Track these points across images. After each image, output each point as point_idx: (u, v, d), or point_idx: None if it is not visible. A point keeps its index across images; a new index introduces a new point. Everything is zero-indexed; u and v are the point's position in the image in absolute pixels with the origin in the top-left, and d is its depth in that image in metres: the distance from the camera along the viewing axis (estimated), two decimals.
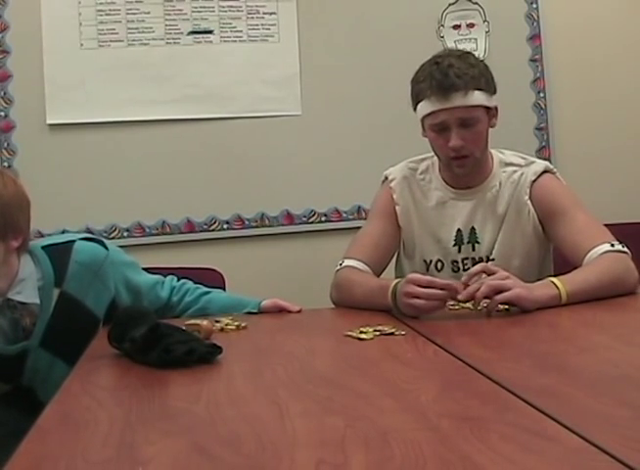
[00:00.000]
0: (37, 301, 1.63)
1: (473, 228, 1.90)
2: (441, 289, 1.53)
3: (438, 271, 1.92)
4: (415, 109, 1.86)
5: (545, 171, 1.89)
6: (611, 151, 3.04)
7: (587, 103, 3.05)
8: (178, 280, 1.87)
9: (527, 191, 1.86)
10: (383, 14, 2.93)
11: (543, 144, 3.01)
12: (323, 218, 2.92)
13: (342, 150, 2.89)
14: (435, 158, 1.94)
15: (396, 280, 1.64)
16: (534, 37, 3.01)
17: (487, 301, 1.62)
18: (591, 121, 3.05)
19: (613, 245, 1.71)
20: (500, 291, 1.51)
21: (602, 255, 1.69)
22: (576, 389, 0.97)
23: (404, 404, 0.96)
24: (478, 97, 1.78)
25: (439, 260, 1.92)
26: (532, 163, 1.91)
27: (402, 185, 1.95)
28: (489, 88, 1.82)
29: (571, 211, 1.82)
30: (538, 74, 3.01)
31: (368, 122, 2.92)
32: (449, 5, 2.98)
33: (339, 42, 2.92)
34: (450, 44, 2.95)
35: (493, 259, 1.87)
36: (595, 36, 3.06)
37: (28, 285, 1.61)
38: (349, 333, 1.41)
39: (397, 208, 1.95)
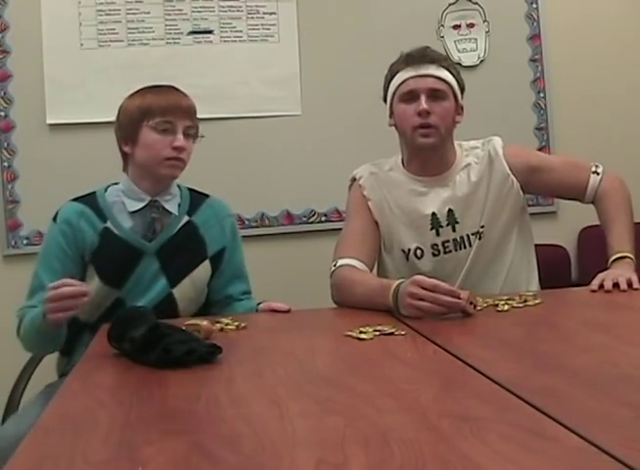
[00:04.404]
0: (176, 213, 1.90)
1: (450, 210, 1.93)
2: (446, 294, 1.52)
3: (419, 259, 1.94)
4: (385, 96, 1.95)
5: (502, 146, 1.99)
6: (611, 151, 3.03)
7: (587, 103, 3.05)
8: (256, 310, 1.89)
9: (504, 162, 1.93)
10: (383, 14, 2.93)
11: (543, 144, 3.01)
12: (323, 218, 2.92)
13: (343, 150, 2.88)
14: (399, 158, 2.00)
15: (399, 281, 1.63)
16: (534, 37, 3.01)
17: (487, 300, 1.63)
18: (591, 121, 3.05)
19: (596, 172, 1.92)
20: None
21: (600, 187, 1.90)
22: (576, 389, 0.97)
23: (404, 404, 0.96)
24: (449, 76, 1.89)
25: (418, 248, 1.94)
26: (489, 140, 1.99)
27: (370, 180, 2.00)
28: (459, 80, 1.93)
29: (546, 161, 2.03)
30: (538, 74, 3.01)
31: (368, 122, 2.92)
32: (449, 5, 2.98)
33: (339, 42, 2.91)
34: (450, 44, 2.95)
35: (483, 229, 1.92)
36: (595, 36, 3.06)
37: (174, 200, 1.92)
38: (349, 333, 1.41)
39: (370, 203, 1.97)
